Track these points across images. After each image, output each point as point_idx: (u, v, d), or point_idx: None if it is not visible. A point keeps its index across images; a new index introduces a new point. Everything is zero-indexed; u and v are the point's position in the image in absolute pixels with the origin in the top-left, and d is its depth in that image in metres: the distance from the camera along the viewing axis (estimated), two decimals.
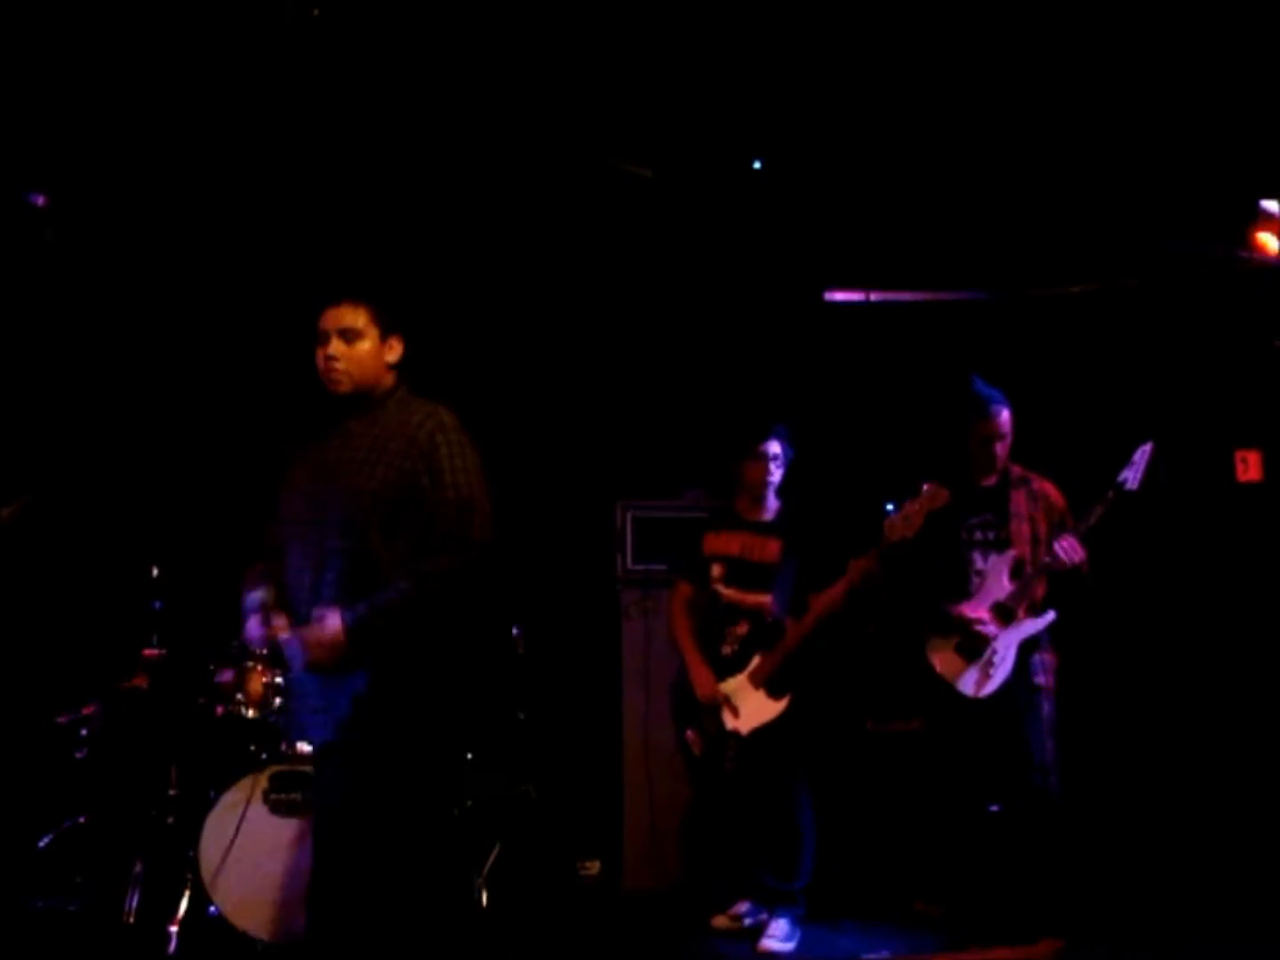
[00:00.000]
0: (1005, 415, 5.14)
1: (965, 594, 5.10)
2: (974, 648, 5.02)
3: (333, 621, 3.52)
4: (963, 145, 5.84)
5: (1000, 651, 4.99)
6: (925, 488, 4.91)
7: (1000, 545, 5.09)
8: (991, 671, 4.99)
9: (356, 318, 3.78)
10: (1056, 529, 5.05)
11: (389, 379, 3.86)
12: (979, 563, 5.12)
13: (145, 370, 6.36)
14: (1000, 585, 5.05)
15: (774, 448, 5.27)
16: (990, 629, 5.01)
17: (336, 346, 3.76)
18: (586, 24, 5.35)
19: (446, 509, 3.62)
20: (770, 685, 5.08)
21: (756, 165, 6.19)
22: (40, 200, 5.46)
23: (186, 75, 5.51)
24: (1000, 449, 5.15)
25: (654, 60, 5.52)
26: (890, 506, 4.99)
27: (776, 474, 5.29)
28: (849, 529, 5.20)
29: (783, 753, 5.12)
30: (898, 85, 5.54)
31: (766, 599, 5.16)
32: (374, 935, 3.58)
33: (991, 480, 5.20)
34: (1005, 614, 5.01)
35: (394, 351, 3.84)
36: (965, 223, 6.21)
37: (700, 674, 5.21)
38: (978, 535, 5.14)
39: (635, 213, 6.43)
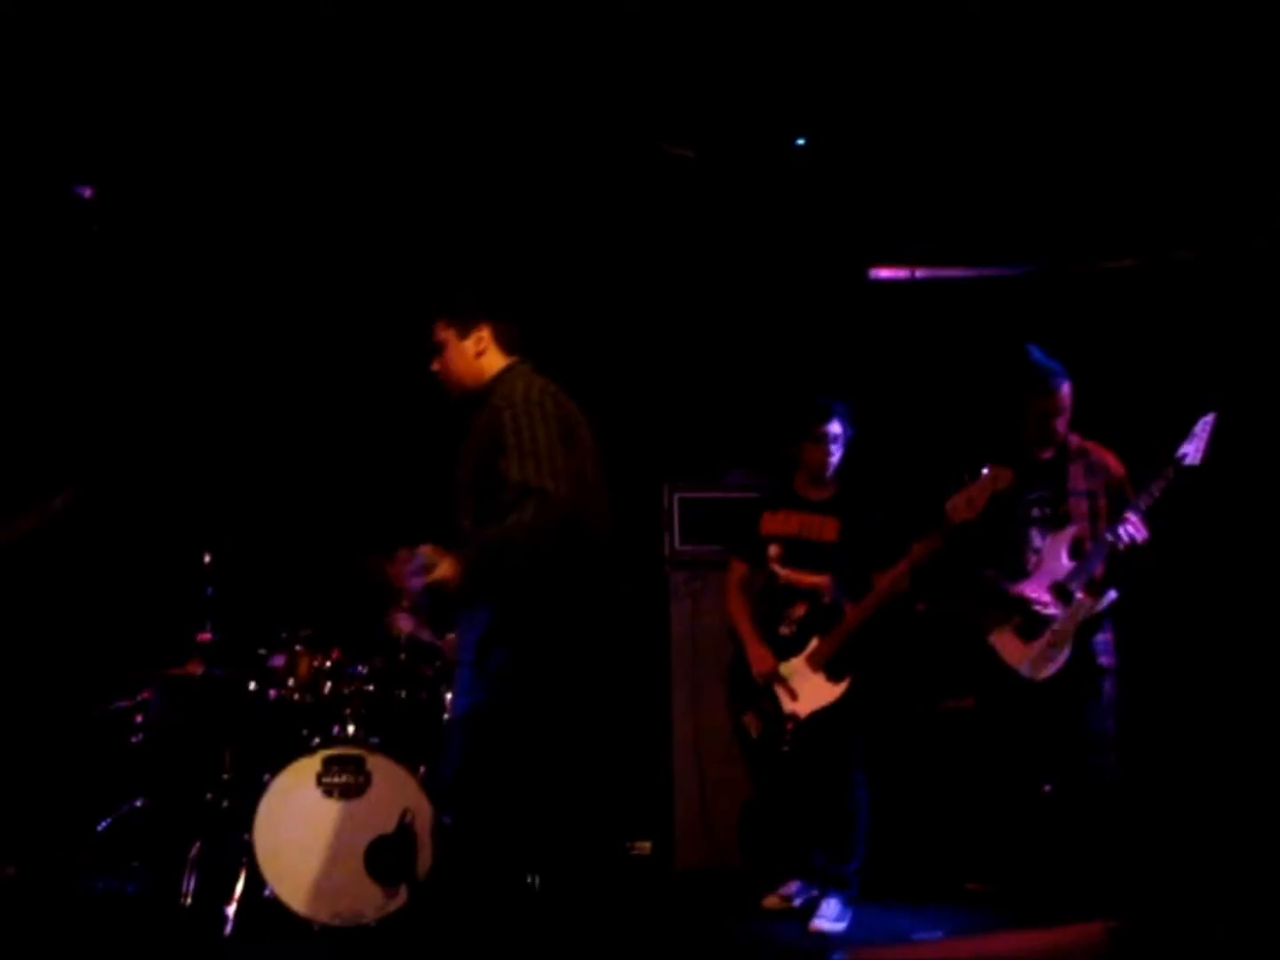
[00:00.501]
0: (1066, 389, 5.01)
1: (1023, 572, 5.01)
2: (1033, 629, 4.94)
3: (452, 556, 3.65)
4: (1008, 118, 5.76)
5: (1060, 634, 4.89)
6: (987, 470, 4.84)
7: (1058, 522, 4.99)
8: (1051, 654, 4.90)
9: (435, 332, 4.00)
10: (1117, 502, 4.95)
11: (492, 365, 4.00)
12: (1036, 540, 5.02)
13: (196, 358, 6.43)
14: (1059, 564, 4.95)
15: (835, 428, 5.22)
16: (1050, 610, 4.92)
17: (434, 364, 4.02)
18: (627, 4, 5.33)
19: (511, 476, 3.65)
20: (829, 668, 5.07)
21: (799, 143, 6.14)
22: (87, 193, 5.51)
23: (236, 66, 5.55)
24: (1060, 424, 5.04)
25: (694, 40, 5.49)
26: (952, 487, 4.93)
27: (836, 454, 5.24)
28: (907, 508, 5.16)
29: (840, 735, 5.11)
30: (941, 58, 5.47)
31: (824, 580, 5.13)
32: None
33: (1049, 453, 5.09)
34: (1064, 594, 4.91)
35: (481, 341, 3.97)
36: (1012, 197, 6.14)
37: (757, 652, 5.21)
38: (1035, 512, 5.04)
39: (678, 194, 6.40)
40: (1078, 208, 6.15)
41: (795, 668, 5.12)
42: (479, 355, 3.98)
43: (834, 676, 5.06)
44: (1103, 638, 4.98)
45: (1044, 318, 6.14)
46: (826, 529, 5.21)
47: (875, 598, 5.00)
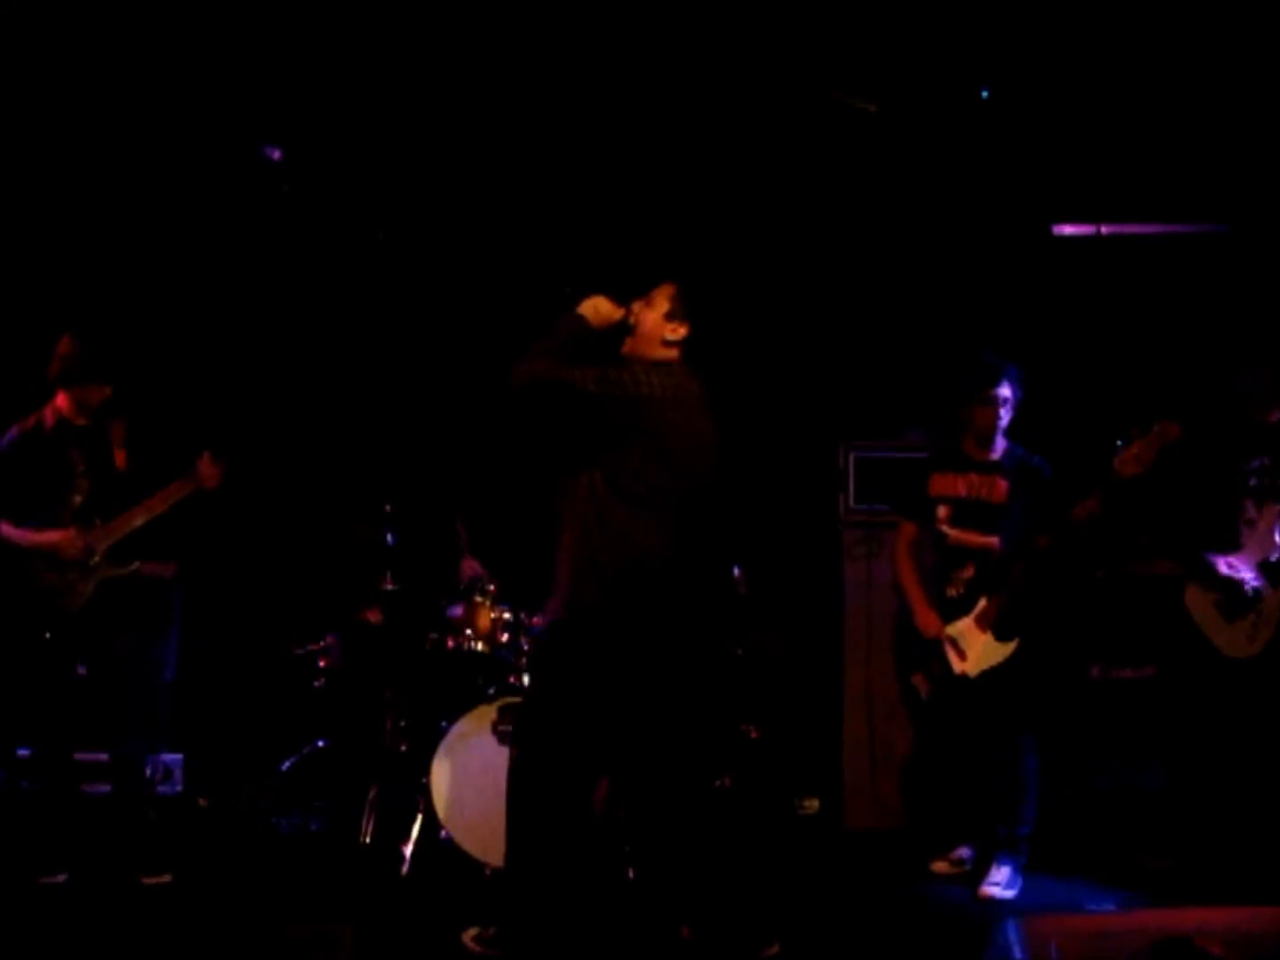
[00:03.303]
0: None
1: (1234, 544, 4.76)
2: (1235, 607, 4.70)
3: None
4: (1197, 67, 5.54)
5: (1266, 614, 4.63)
6: (1156, 426, 4.67)
7: (1276, 494, 4.71)
8: (1253, 634, 4.65)
9: (659, 290, 4.24)
10: None
11: (656, 351, 4.24)
12: (1250, 512, 4.75)
13: (381, 315, 6.57)
14: (1271, 541, 4.68)
15: (1004, 391, 5.13)
16: (1254, 588, 4.67)
17: (631, 309, 4.25)
18: None
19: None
20: (997, 628, 5.00)
21: (984, 95, 6.00)
22: (277, 154, 5.64)
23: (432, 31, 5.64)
24: None
25: None
26: (1120, 442, 4.78)
27: (1005, 417, 5.16)
28: (1081, 469, 5.04)
29: (1010, 697, 5.04)
30: (1130, 6, 5.29)
31: (993, 540, 5.06)
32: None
33: (1274, 416, 4.78)
34: (1274, 573, 4.65)
35: (677, 333, 4.22)
36: (1204, 149, 5.90)
37: (925, 615, 5.18)
38: (1253, 481, 4.76)
39: (860, 148, 6.32)
40: (1271, 160, 5.89)
41: (963, 629, 5.07)
42: (663, 341, 4.18)
43: (1002, 637, 4.99)
44: None
45: (1240, 277, 5.92)
46: (996, 490, 5.14)
47: (1040, 556, 4.90)
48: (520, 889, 4.07)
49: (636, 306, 4.22)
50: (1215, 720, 4.88)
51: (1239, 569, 4.70)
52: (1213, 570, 4.74)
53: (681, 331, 4.20)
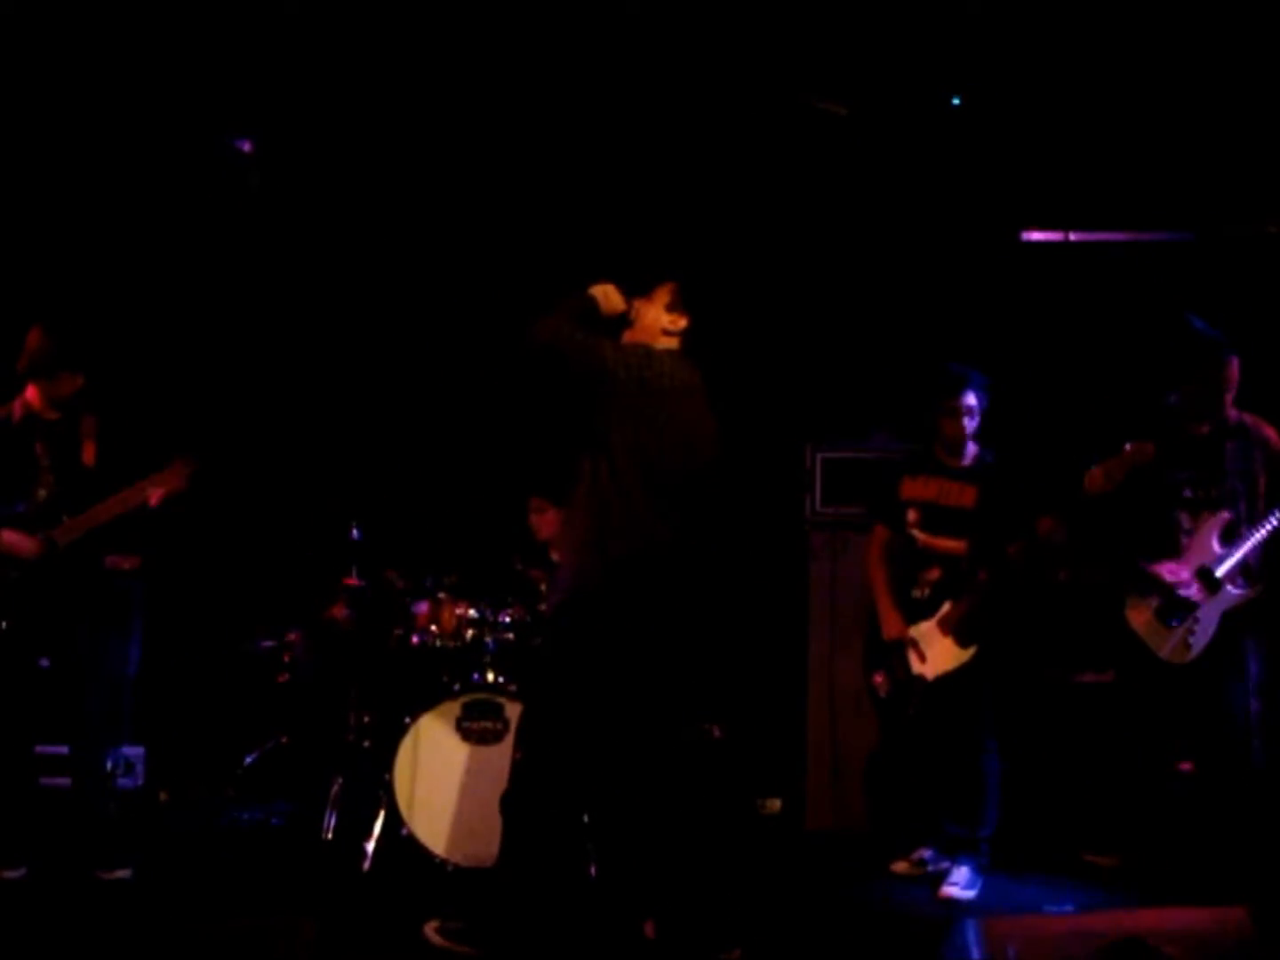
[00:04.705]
0: (1235, 363, 4.82)
1: (1172, 553, 4.84)
2: (1173, 613, 4.80)
3: None
4: (1165, 77, 5.59)
5: (1202, 621, 4.76)
6: (1128, 447, 4.76)
7: (1211, 504, 4.81)
8: (1191, 640, 4.77)
9: (665, 288, 4.34)
10: (1277, 481, 4.77)
11: (657, 339, 4.33)
12: (1185, 522, 4.84)
13: (348, 309, 6.56)
14: (1208, 549, 4.78)
15: (969, 400, 5.19)
16: (1193, 594, 4.78)
17: (635, 302, 4.33)
18: None
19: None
20: (958, 633, 5.05)
21: (955, 102, 6.04)
22: (247, 146, 5.62)
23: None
24: (1228, 400, 4.84)
25: None
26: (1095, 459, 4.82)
27: (971, 425, 5.22)
28: (1048, 477, 5.08)
29: (969, 700, 5.08)
30: (1099, 17, 5.33)
31: (960, 545, 5.10)
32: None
33: (1205, 429, 4.88)
34: (1210, 581, 4.75)
35: (678, 324, 4.31)
36: (1170, 159, 5.95)
37: (888, 615, 5.22)
38: (1186, 493, 4.85)
39: (830, 151, 6.34)
40: (1240, 169, 5.94)
41: (925, 631, 5.13)
42: (664, 332, 4.27)
43: (962, 642, 5.05)
44: (1250, 620, 4.80)
45: (1202, 285, 5.96)
46: (965, 495, 5.19)
47: (1008, 565, 4.96)
48: (518, 885, 4.05)
49: (637, 303, 4.29)
50: (1160, 723, 4.97)
51: (1180, 574, 4.80)
52: (1153, 577, 4.83)
53: (682, 323, 4.28)
